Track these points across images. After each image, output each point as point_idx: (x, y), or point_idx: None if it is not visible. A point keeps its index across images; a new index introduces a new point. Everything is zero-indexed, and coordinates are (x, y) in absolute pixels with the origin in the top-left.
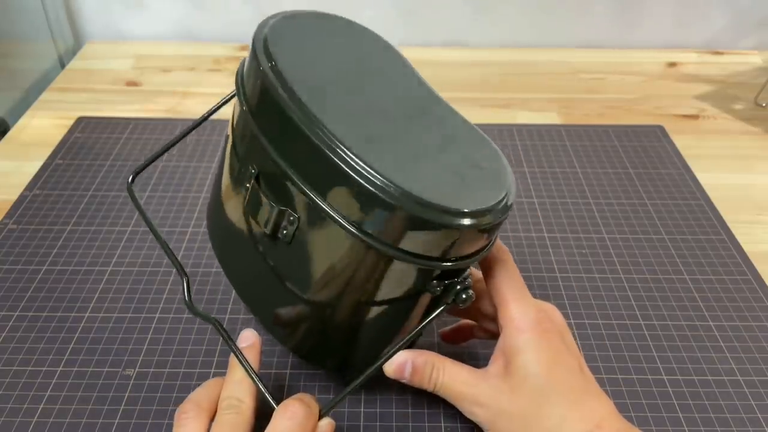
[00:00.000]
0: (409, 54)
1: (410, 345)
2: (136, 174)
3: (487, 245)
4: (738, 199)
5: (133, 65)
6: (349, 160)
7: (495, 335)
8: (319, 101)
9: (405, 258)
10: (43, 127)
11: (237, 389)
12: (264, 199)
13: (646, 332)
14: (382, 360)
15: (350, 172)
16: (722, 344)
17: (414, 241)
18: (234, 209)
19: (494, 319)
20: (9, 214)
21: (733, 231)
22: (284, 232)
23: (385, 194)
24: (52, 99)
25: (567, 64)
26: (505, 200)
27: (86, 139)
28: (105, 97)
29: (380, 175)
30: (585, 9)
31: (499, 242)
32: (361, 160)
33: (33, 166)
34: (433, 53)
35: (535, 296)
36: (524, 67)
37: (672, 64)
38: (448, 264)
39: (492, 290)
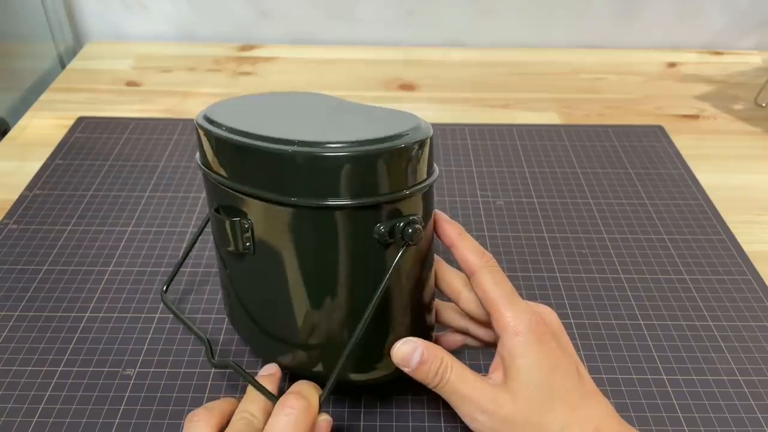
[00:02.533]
0: (410, 54)
1: (386, 309)
2: (168, 285)
3: (415, 175)
4: (738, 199)
5: (133, 65)
6: (255, 139)
7: (487, 343)
8: (237, 121)
9: (338, 205)
10: (43, 127)
11: (252, 406)
12: (221, 221)
13: (646, 332)
14: (360, 329)
15: (255, 145)
16: (722, 344)
17: (340, 184)
18: (223, 275)
19: (484, 324)
20: (9, 214)
21: (733, 231)
22: (247, 244)
23: (293, 151)
24: (52, 99)
25: (567, 64)
26: (412, 130)
27: (86, 139)
28: (105, 97)
29: (283, 140)
30: (585, 9)
31: (482, 249)
32: (265, 137)
33: (33, 166)
34: (433, 53)
35: (535, 297)
36: (524, 67)
37: (672, 64)
38: (381, 197)
39: (482, 298)
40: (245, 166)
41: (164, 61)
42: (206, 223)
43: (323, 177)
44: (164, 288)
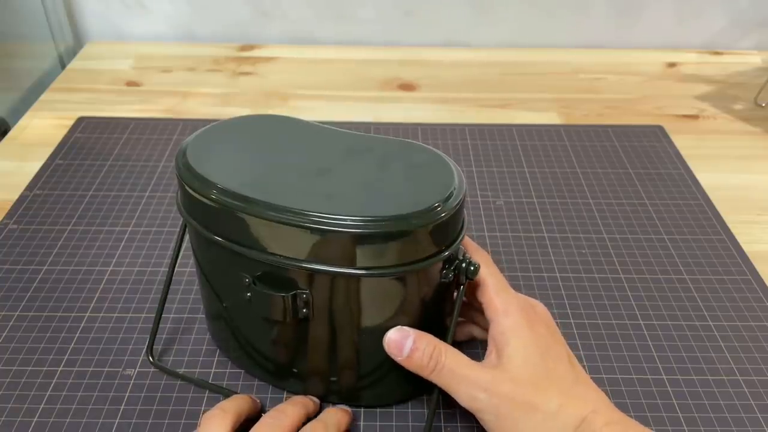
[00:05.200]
0: (409, 54)
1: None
2: (151, 346)
3: (463, 219)
4: (738, 199)
5: (133, 65)
6: (320, 219)
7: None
8: (265, 191)
9: (419, 267)
10: (43, 127)
11: (287, 406)
12: (270, 296)
13: (646, 332)
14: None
15: (324, 227)
16: (722, 344)
17: (419, 249)
18: (240, 317)
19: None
20: (9, 214)
21: (733, 231)
22: (304, 311)
23: (370, 228)
24: (52, 99)
25: (567, 64)
26: (458, 180)
27: (86, 139)
28: (105, 97)
29: (357, 217)
30: (585, 9)
31: (476, 244)
32: (326, 214)
33: (33, 166)
34: (433, 53)
35: (535, 297)
36: (524, 67)
37: (672, 64)
38: (446, 252)
39: (477, 287)
40: (295, 243)
41: (164, 61)
42: (174, 267)
43: (393, 248)
44: (149, 355)
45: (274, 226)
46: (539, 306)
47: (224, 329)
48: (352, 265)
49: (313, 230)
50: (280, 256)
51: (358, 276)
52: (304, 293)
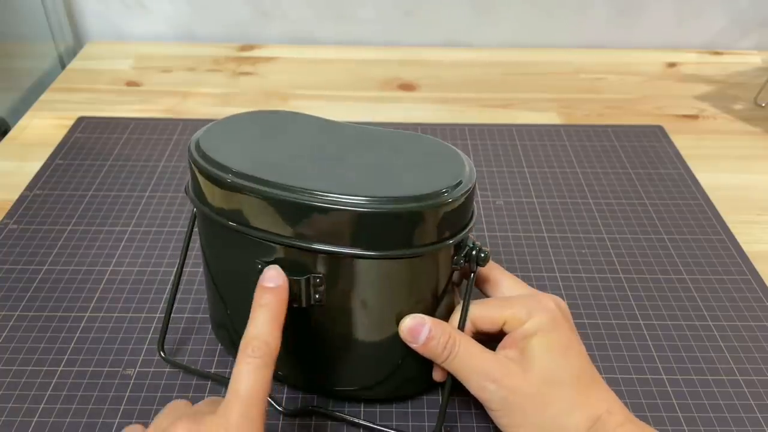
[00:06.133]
0: (409, 54)
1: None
2: (162, 342)
3: (473, 207)
4: (738, 199)
5: (133, 65)
6: (332, 199)
7: (490, 336)
8: (279, 174)
9: (430, 249)
10: (43, 127)
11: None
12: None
13: (645, 332)
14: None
15: (336, 207)
16: (722, 344)
17: (430, 231)
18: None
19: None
20: (9, 214)
21: (733, 231)
22: (316, 296)
23: (386, 209)
24: (52, 99)
25: (567, 64)
26: (468, 168)
27: (86, 139)
28: (105, 97)
29: (367, 197)
30: (585, 9)
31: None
32: (338, 194)
33: (33, 166)
34: (433, 53)
35: None
36: (525, 67)
37: (672, 64)
38: (462, 234)
39: (495, 282)
40: (308, 224)
41: (164, 61)
42: (184, 259)
43: (404, 229)
44: (160, 351)
45: (287, 207)
46: (560, 301)
47: (230, 330)
48: (364, 247)
49: (325, 210)
50: (294, 237)
51: (369, 257)
52: (317, 277)
